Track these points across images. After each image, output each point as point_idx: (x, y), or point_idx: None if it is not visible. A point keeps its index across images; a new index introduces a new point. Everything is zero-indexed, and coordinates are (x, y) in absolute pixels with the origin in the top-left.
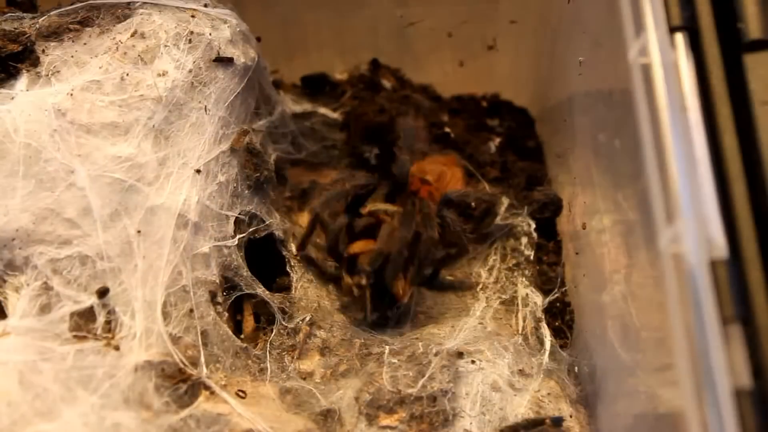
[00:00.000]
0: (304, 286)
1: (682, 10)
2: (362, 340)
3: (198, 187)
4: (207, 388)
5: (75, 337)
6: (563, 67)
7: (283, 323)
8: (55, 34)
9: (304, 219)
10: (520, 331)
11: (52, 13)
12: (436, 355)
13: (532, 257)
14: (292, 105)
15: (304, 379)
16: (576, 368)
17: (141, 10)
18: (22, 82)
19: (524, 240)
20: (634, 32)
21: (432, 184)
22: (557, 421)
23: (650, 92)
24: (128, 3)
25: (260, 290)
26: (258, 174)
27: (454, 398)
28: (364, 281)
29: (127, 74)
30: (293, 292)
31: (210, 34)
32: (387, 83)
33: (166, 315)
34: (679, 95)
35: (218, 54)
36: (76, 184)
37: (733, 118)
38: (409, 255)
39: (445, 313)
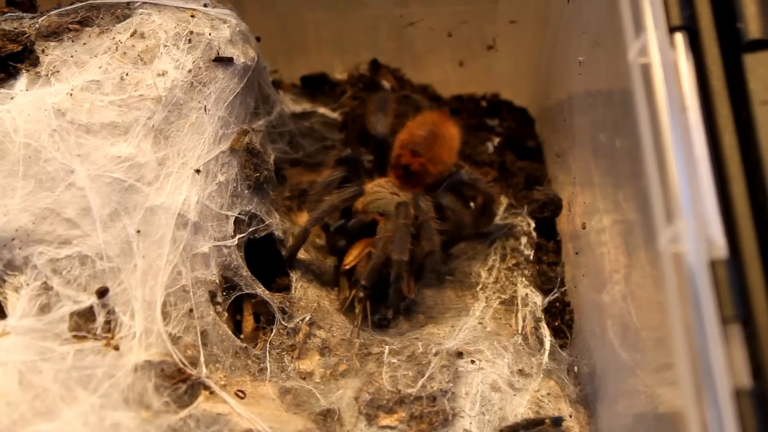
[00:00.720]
0: (304, 286)
1: (682, 10)
2: (362, 340)
3: (198, 187)
4: (206, 388)
5: (75, 337)
6: (563, 67)
7: (283, 323)
8: (54, 34)
9: (303, 219)
10: (519, 331)
11: (51, 13)
12: (435, 355)
13: (531, 257)
14: (291, 105)
15: (304, 379)
16: (576, 368)
17: (141, 10)
18: (22, 82)
19: (524, 240)
20: (633, 32)
21: (423, 155)
22: (557, 421)
23: (650, 92)
24: (128, 3)
25: (260, 290)
26: (258, 174)
27: (453, 398)
28: (362, 294)
29: (127, 74)
30: (293, 291)
31: (210, 34)
32: (387, 83)
33: (165, 315)
34: (679, 95)
35: (218, 54)
36: (75, 183)
37: (732, 118)
38: (410, 259)
39: (444, 313)
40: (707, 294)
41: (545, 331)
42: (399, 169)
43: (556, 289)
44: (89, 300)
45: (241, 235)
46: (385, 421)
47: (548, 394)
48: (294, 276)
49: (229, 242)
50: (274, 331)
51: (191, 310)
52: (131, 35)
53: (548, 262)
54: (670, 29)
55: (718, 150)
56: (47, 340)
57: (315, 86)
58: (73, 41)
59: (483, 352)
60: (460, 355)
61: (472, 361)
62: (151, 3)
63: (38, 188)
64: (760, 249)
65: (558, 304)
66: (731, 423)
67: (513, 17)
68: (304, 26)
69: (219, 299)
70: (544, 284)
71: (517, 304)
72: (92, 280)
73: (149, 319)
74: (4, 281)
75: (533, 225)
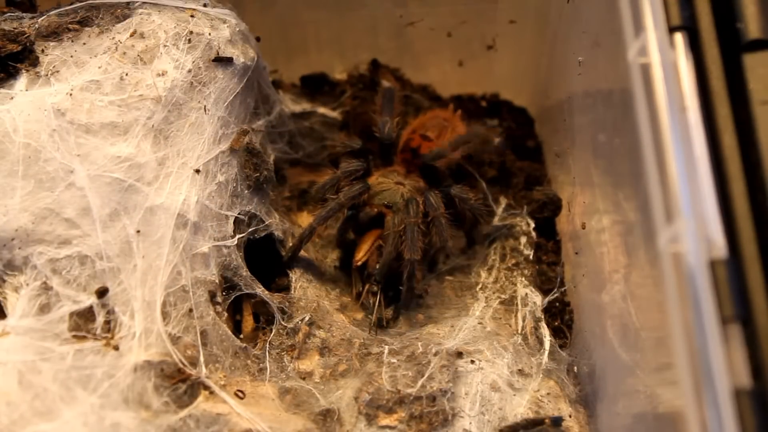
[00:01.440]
0: (303, 286)
1: (682, 10)
2: (361, 340)
3: (197, 187)
4: (206, 388)
5: (74, 337)
6: (563, 67)
7: (283, 323)
8: (54, 34)
9: (303, 219)
10: (519, 331)
11: (51, 13)
12: (435, 355)
13: (531, 257)
14: (291, 105)
15: (304, 379)
16: (575, 368)
17: (140, 10)
18: (22, 82)
19: (523, 240)
20: (633, 32)
21: (433, 140)
22: (556, 421)
23: (650, 92)
24: (127, 3)
25: (259, 290)
26: (257, 174)
27: (453, 398)
28: (375, 288)
29: (127, 74)
30: (292, 291)
31: (209, 34)
32: (387, 83)
33: (165, 315)
34: (679, 95)
35: (218, 54)
36: (75, 183)
37: (732, 118)
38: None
39: (444, 313)
40: (707, 294)
41: (545, 331)
42: (407, 152)
43: (555, 289)
44: (89, 300)
45: (241, 235)
46: (385, 421)
47: (548, 394)
48: (293, 276)
49: (228, 242)
50: (273, 331)
51: (191, 310)
52: (131, 35)
53: (548, 262)
54: (670, 29)
55: (718, 150)
56: (47, 340)
57: (315, 86)
58: (72, 41)
59: (483, 352)
60: (459, 355)
61: (472, 361)
62: (150, 3)
63: (38, 188)
64: (760, 249)
65: (558, 304)
66: (731, 423)
67: (513, 17)
68: (303, 26)
69: (219, 299)
70: (543, 284)
71: (517, 304)
72: (92, 280)
73: (149, 319)
74: (4, 281)
75: (533, 225)
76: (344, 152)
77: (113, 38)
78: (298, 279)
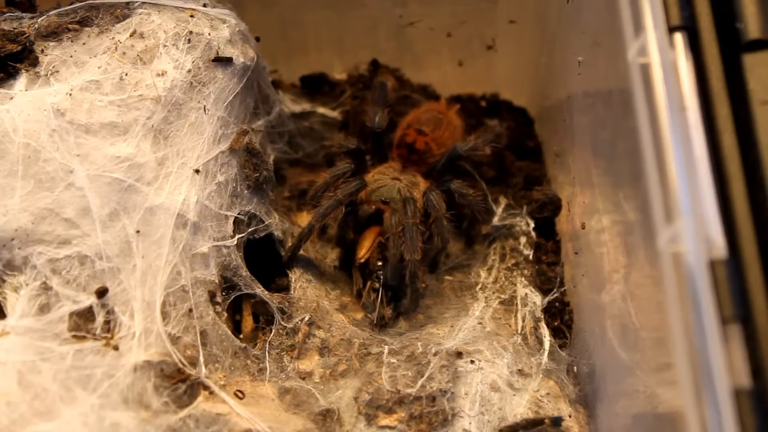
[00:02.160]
0: (303, 286)
1: (681, 10)
2: (361, 340)
3: (197, 187)
4: (206, 388)
5: (74, 337)
6: (562, 67)
7: (282, 323)
8: (54, 34)
9: (302, 219)
10: (519, 331)
11: (51, 13)
12: (435, 355)
13: (531, 257)
14: (291, 105)
15: (303, 379)
16: (575, 368)
17: (140, 10)
18: (21, 82)
19: (523, 240)
20: (633, 32)
21: (428, 134)
22: (556, 421)
23: (649, 92)
24: (127, 3)
25: (259, 290)
26: (257, 174)
27: (453, 398)
28: (377, 285)
29: (126, 74)
30: (292, 292)
31: (209, 34)
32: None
33: (165, 315)
34: (678, 95)
35: (217, 54)
36: (75, 183)
37: (732, 118)
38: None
39: (444, 313)
40: (707, 294)
41: (545, 331)
42: (403, 148)
43: (555, 289)
44: (89, 300)
45: (241, 235)
46: (385, 421)
47: (547, 394)
48: (293, 276)
49: (228, 242)
50: (273, 331)
51: (191, 310)
52: (131, 35)
53: (547, 262)
54: (670, 29)
55: (718, 150)
56: (47, 340)
57: (314, 86)
58: (72, 41)
59: (482, 352)
60: (459, 355)
61: (472, 361)
62: (150, 3)
63: (37, 188)
64: (760, 249)
65: (557, 304)
66: (730, 423)
67: (512, 17)
68: (303, 26)
69: (218, 299)
70: (543, 284)
71: (517, 304)
72: (92, 280)
73: (149, 319)
74: (4, 281)
75: (532, 225)
76: (340, 152)
77: (113, 38)
78: (297, 279)
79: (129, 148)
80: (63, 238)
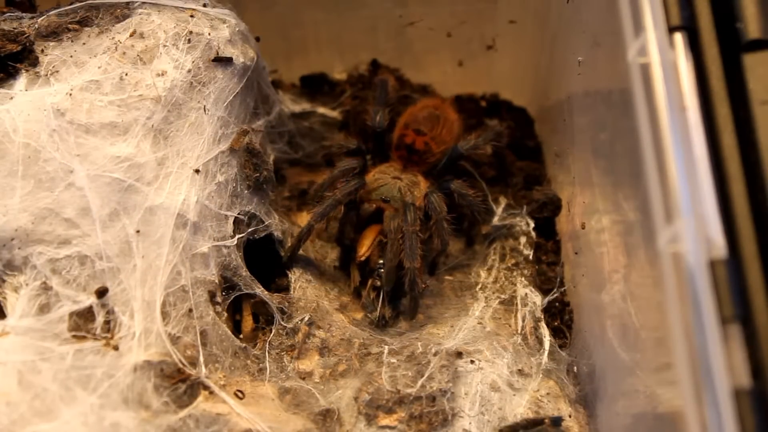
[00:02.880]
0: (303, 286)
1: (681, 10)
2: (361, 340)
3: (197, 187)
4: (206, 388)
5: (74, 337)
6: (562, 67)
7: (282, 323)
8: (54, 34)
9: (302, 219)
10: (519, 331)
11: (51, 13)
12: (435, 355)
13: (531, 257)
14: (291, 105)
15: (303, 379)
16: (575, 368)
17: (140, 10)
18: (21, 82)
19: (523, 240)
20: (633, 32)
21: (426, 134)
22: (556, 421)
23: (649, 92)
24: (127, 3)
25: (259, 290)
26: (257, 174)
27: (453, 398)
28: (378, 283)
29: (126, 74)
30: (292, 292)
31: (209, 34)
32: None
33: (165, 315)
34: (678, 95)
35: (217, 54)
36: (75, 183)
37: (732, 118)
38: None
39: (444, 313)
40: (707, 294)
41: (545, 331)
42: (402, 149)
43: (555, 289)
44: (89, 300)
45: (241, 235)
46: (385, 421)
47: (547, 394)
48: (293, 276)
49: (228, 242)
50: (273, 331)
51: (191, 310)
52: (131, 35)
53: (547, 262)
54: (670, 29)
55: (718, 150)
56: (47, 340)
57: (314, 86)
58: (72, 41)
59: (482, 352)
60: (459, 355)
61: (472, 361)
62: (150, 3)
63: (37, 188)
64: (760, 249)
65: (557, 304)
66: (731, 423)
67: (512, 17)
68: (303, 26)
69: (218, 299)
70: (543, 284)
71: (517, 304)
72: (92, 280)
73: (149, 319)
74: (4, 281)
75: (532, 225)
76: (341, 152)
77: (113, 38)
78: (297, 279)
79: (129, 148)
80: (63, 238)
